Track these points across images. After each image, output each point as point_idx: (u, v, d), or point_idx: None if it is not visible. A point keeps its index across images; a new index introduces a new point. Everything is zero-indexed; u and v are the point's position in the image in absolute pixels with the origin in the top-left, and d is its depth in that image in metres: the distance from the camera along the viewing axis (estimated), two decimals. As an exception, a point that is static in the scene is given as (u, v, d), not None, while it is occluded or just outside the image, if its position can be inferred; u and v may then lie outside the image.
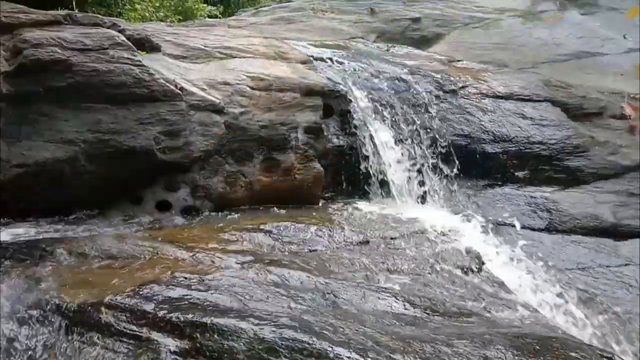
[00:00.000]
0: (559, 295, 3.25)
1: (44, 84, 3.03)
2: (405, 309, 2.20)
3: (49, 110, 3.04)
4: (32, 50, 3.04)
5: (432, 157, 4.01)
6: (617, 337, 3.09)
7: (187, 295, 2.00)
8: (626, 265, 3.74)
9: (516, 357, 1.80)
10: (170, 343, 1.75)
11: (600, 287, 3.49)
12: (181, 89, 3.31)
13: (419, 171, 3.89)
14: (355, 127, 3.79)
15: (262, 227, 2.93)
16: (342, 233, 2.99)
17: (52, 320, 1.91)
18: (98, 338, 1.82)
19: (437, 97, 4.42)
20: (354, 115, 3.82)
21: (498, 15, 6.89)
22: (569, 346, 1.97)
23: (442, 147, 4.09)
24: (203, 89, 3.45)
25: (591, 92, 5.07)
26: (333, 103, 3.81)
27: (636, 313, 3.31)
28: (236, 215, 3.27)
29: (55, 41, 3.11)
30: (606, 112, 4.93)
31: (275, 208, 3.41)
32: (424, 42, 6.32)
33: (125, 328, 1.83)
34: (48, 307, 1.94)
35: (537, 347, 1.91)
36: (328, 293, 2.20)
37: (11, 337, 1.87)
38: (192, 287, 2.07)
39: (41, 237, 2.68)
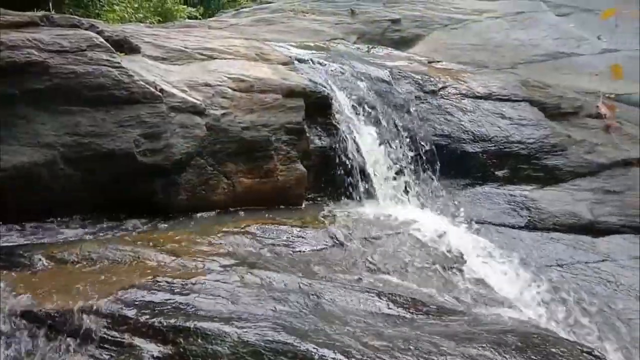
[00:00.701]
0: (539, 292, 3.30)
1: (20, 87, 2.97)
2: (389, 308, 2.22)
3: (26, 113, 2.98)
4: (8, 52, 2.98)
5: (413, 157, 4.05)
6: (596, 331, 3.15)
7: (169, 299, 1.98)
8: (603, 261, 3.82)
9: (499, 354, 1.83)
10: (152, 348, 1.74)
11: (579, 283, 3.57)
12: (161, 90, 3.28)
13: (401, 171, 3.92)
14: (337, 128, 3.79)
15: (245, 229, 2.93)
16: (326, 234, 3.00)
17: (31, 327, 1.87)
18: (78, 345, 1.79)
19: (418, 97, 4.46)
20: (336, 116, 3.83)
21: (477, 16, 6.98)
22: (550, 342, 2.01)
23: (423, 147, 4.13)
24: (184, 91, 3.42)
25: (568, 92, 5.18)
26: (315, 104, 3.81)
27: (614, 308, 3.38)
28: (219, 218, 3.25)
29: (32, 43, 3.04)
30: (582, 111, 5.04)
31: (258, 210, 3.40)
32: (403, 43, 6.37)
33: (106, 334, 1.81)
34: (26, 314, 1.90)
35: (519, 344, 1.94)
36: (312, 294, 2.21)
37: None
38: (175, 291, 2.05)
39: (19, 242, 2.63)
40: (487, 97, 4.76)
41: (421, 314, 2.23)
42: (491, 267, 3.31)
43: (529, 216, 4.07)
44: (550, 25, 6.89)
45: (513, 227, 3.99)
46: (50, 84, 3.02)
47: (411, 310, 2.25)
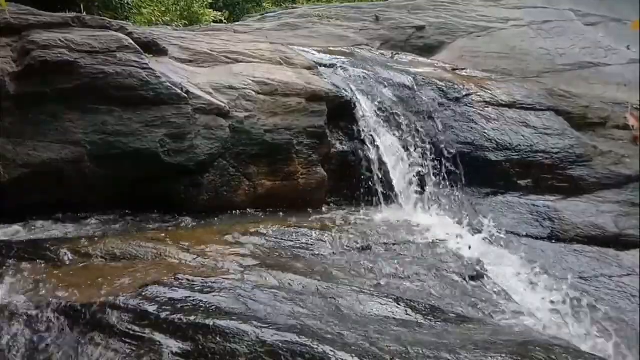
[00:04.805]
0: (561, 304, 3.24)
1: (51, 85, 3.06)
2: (407, 314, 2.21)
3: (56, 111, 3.06)
4: (40, 52, 3.07)
5: (435, 164, 4.02)
6: (618, 346, 3.08)
7: (189, 297, 2.01)
8: (628, 275, 3.73)
9: (518, 365, 1.80)
10: (172, 344, 1.76)
11: (602, 296, 3.48)
12: (187, 92, 3.33)
13: (423, 178, 3.89)
14: (359, 133, 3.80)
15: (265, 230, 2.94)
16: (345, 238, 3.00)
17: (55, 319, 1.91)
18: (100, 338, 1.83)
19: (441, 104, 4.44)
20: (358, 121, 3.83)
21: (502, 24, 6.91)
22: (571, 354, 1.97)
23: (446, 155, 4.10)
24: (209, 93, 3.47)
25: (595, 102, 5.08)
26: (337, 109, 3.82)
27: (637, 323, 3.30)
28: (239, 219, 3.28)
29: (63, 43, 3.13)
30: (609, 122, 4.94)
31: (278, 212, 3.42)
32: (428, 50, 6.35)
33: (127, 328, 1.83)
34: (51, 306, 1.95)
35: (538, 355, 1.91)
36: (330, 297, 2.21)
37: (13, 336, 1.87)
38: (195, 289, 2.08)
39: (45, 236, 2.69)
40: (511, 105, 4.71)
41: (440, 322, 2.21)
42: (512, 278, 3.26)
43: (552, 227, 4.00)
44: (578, 34, 6.78)
45: (535, 237, 3.92)
46: (79, 83, 3.10)
47: (429, 318, 2.23)
